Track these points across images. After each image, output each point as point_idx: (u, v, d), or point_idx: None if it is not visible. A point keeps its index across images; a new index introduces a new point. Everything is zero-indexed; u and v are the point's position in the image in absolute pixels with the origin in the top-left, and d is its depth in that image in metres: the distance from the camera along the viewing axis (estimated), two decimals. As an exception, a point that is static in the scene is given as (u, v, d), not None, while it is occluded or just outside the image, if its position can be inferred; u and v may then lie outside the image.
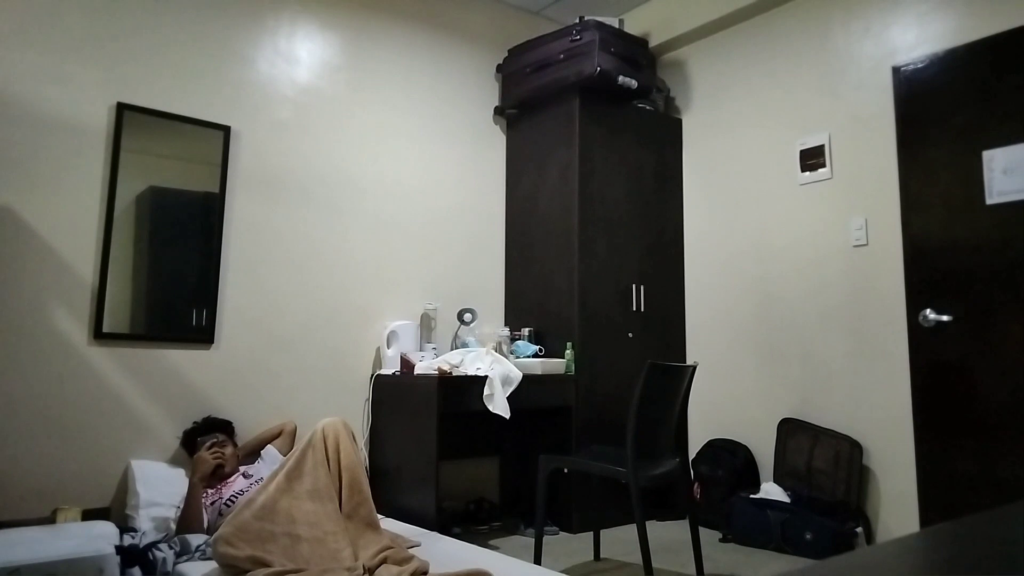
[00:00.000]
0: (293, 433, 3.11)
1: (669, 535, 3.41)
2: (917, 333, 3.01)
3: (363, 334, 3.54)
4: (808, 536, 3.04)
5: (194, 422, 2.95)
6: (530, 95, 3.95)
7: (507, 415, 3.09)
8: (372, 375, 3.50)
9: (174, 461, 2.92)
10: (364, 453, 3.41)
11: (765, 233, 3.73)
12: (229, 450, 2.81)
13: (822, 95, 3.53)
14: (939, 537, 0.73)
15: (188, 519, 2.56)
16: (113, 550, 2.16)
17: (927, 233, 3.02)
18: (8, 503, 2.57)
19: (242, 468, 2.82)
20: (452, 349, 3.67)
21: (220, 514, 2.56)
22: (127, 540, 2.35)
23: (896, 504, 3.09)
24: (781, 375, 3.58)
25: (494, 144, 4.17)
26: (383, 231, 3.67)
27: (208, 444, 2.76)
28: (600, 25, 3.75)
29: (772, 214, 3.70)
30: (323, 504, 2.31)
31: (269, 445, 3.02)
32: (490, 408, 3.09)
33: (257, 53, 3.33)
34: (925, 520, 2.95)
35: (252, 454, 2.98)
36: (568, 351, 3.58)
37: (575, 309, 3.62)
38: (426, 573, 2.16)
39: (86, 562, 2.06)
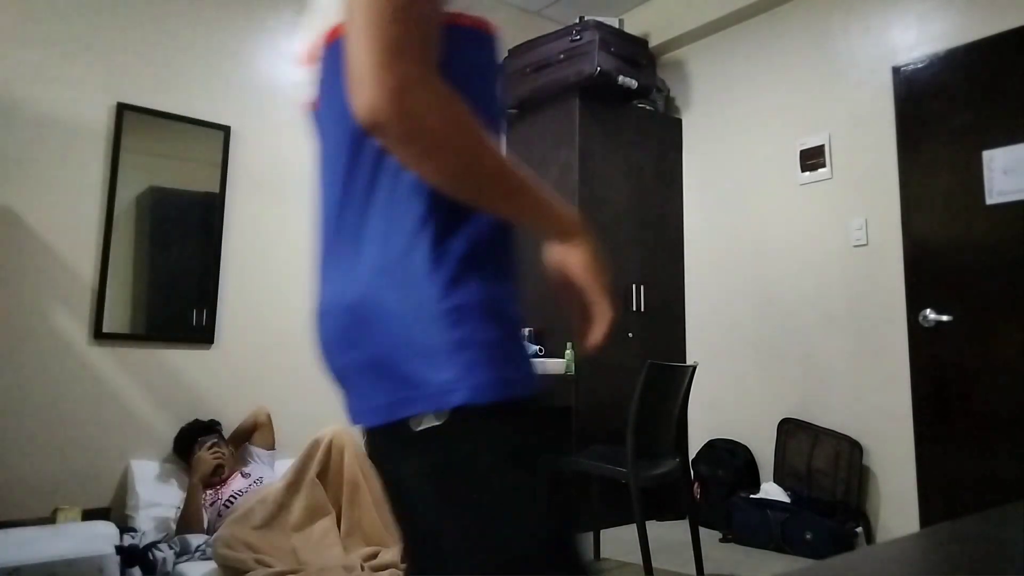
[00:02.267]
0: (268, 421, 3.02)
1: (669, 535, 3.41)
2: (917, 333, 3.01)
3: (363, 334, 3.54)
4: (808, 536, 3.04)
5: (181, 428, 2.89)
6: (530, 95, 3.95)
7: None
8: (372, 375, 3.50)
9: (174, 461, 2.91)
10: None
11: (765, 233, 3.73)
12: (227, 450, 2.81)
13: (822, 95, 3.53)
14: (939, 537, 0.73)
15: (187, 519, 2.56)
16: (113, 550, 2.16)
17: (927, 233, 3.02)
18: (8, 503, 2.57)
19: (239, 468, 2.82)
20: (452, 349, 3.66)
21: (219, 515, 2.56)
22: (127, 540, 2.35)
23: (896, 504, 3.09)
24: (781, 375, 3.58)
25: (494, 144, 4.16)
26: (383, 231, 3.66)
27: (208, 444, 2.76)
28: (600, 25, 3.75)
29: (772, 214, 3.70)
30: (320, 522, 2.32)
31: (252, 447, 2.97)
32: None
33: (257, 53, 3.33)
34: (925, 520, 2.95)
35: (236, 449, 2.95)
36: (568, 351, 3.58)
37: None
38: None
39: (86, 562, 2.06)
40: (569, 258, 0.81)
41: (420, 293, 0.72)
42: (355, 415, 0.79)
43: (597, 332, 0.83)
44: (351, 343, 0.76)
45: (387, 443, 0.79)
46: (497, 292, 0.76)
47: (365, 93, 0.66)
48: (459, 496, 0.72)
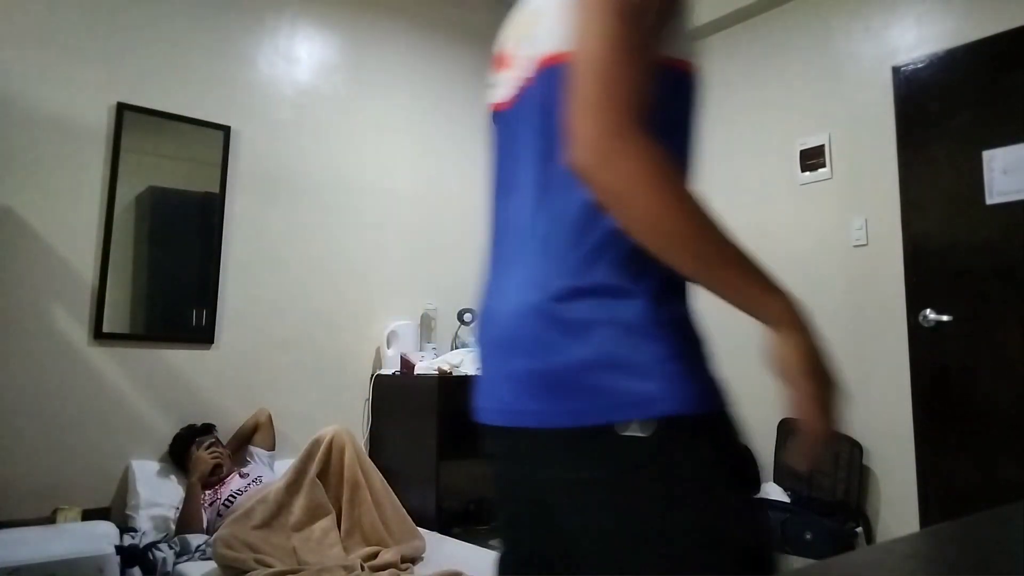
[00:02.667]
0: (269, 422, 3.05)
1: (669, 535, 3.41)
2: (917, 333, 3.00)
3: (363, 334, 3.54)
4: (808, 536, 3.04)
5: (176, 434, 2.88)
6: (530, 95, 3.95)
7: (507, 415, 3.08)
8: (372, 375, 3.50)
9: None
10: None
11: (765, 233, 3.73)
12: (225, 450, 2.81)
13: (822, 95, 3.53)
14: (939, 537, 0.73)
15: (187, 519, 2.56)
16: (113, 550, 2.16)
17: (927, 233, 3.02)
18: (8, 503, 2.57)
19: (236, 468, 2.82)
20: (452, 349, 3.66)
21: (219, 514, 2.56)
22: (127, 540, 2.35)
23: (896, 504, 3.08)
24: (781, 375, 3.58)
25: (494, 144, 4.17)
26: (383, 230, 3.67)
27: (206, 444, 2.76)
28: (600, 25, 3.75)
29: (772, 214, 3.70)
30: (320, 522, 2.31)
31: (251, 447, 2.97)
32: (490, 408, 3.09)
33: (257, 53, 3.33)
34: (925, 520, 2.95)
35: (236, 451, 2.95)
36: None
37: (575, 309, 3.61)
38: None
39: (86, 562, 2.06)
40: (776, 350, 0.76)
41: (624, 308, 0.74)
42: (519, 415, 0.78)
43: (797, 449, 0.77)
44: (537, 348, 0.76)
45: (554, 448, 0.76)
46: (691, 312, 0.80)
47: (572, 137, 0.69)
48: (651, 505, 0.71)
